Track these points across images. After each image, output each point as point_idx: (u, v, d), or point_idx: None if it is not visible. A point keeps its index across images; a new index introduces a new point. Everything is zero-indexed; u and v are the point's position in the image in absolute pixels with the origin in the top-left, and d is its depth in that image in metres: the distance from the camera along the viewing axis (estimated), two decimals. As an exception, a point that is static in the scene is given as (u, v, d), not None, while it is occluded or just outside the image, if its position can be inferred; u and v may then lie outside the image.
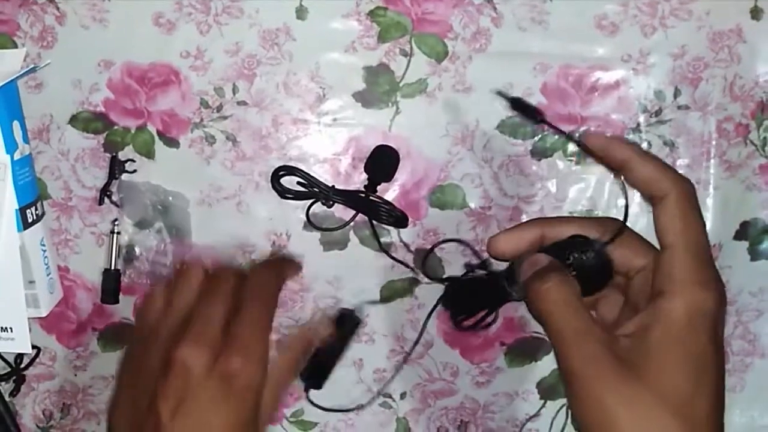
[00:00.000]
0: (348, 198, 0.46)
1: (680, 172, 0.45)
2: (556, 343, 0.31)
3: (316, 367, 0.46)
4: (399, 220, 0.46)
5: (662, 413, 0.29)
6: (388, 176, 0.47)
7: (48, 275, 0.47)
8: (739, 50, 0.45)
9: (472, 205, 0.47)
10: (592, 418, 0.30)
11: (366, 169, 0.46)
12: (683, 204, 0.32)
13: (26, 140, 0.46)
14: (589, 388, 0.30)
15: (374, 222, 0.47)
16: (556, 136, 0.47)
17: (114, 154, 0.47)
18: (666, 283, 0.31)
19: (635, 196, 0.48)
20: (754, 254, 0.47)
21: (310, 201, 0.47)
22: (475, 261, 0.47)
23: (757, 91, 0.46)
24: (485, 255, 0.44)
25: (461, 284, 0.41)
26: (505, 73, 0.46)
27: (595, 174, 0.47)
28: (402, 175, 0.47)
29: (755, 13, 0.45)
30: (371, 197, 0.46)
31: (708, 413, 0.29)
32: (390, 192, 0.47)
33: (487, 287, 0.38)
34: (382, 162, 0.46)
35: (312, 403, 0.46)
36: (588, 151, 0.34)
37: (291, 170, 0.46)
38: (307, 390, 0.47)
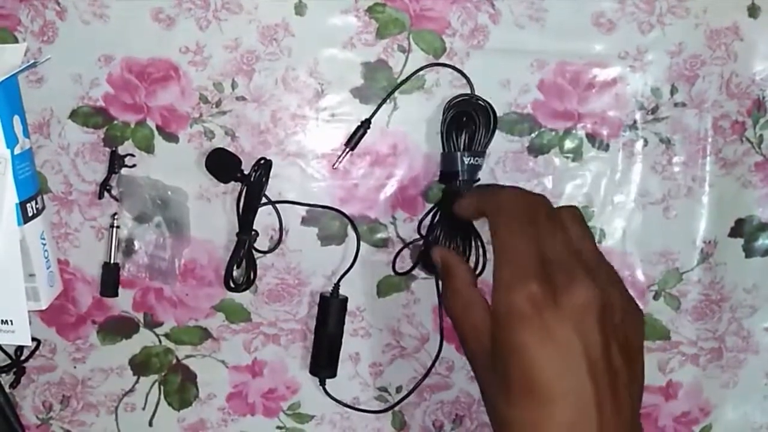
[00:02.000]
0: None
1: (676, 169, 0.47)
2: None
3: (324, 357, 0.47)
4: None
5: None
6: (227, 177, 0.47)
7: (48, 268, 0.48)
8: (736, 48, 0.46)
9: (469, 201, 0.48)
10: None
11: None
12: (498, 216, 0.36)
13: (27, 135, 0.46)
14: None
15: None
16: (553, 132, 0.47)
17: (114, 148, 0.48)
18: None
19: (631, 193, 0.49)
20: (749, 251, 0.48)
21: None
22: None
23: (754, 89, 0.46)
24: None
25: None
26: (503, 69, 0.46)
27: (591, 171, 0.47)
28: (399, 171, 0.47)
29: (752, 11, 0.45)
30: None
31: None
32: (387, 187, 0.48)
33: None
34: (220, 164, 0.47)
35: (330, 396, 0.48)
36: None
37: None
38: (323, 383, 0.47)
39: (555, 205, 0.49)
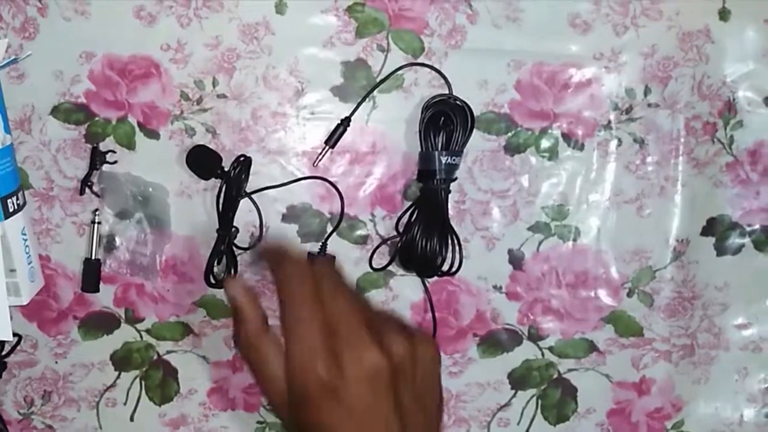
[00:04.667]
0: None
1: (649, 169, 0.48)
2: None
3: None
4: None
5: None
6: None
7: (29, 264, 0.48)
8: (708, 50, 0.47)
9: (447, 199, 0.48)
10: None
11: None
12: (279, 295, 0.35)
13: (7, 130, 0.47)
14: None
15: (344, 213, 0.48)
16: (529, 132, 0.48)
17: (95, 145, 0.48)
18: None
19: (606, 191, 0.49)
20: (720, 250, 0.49)
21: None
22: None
23: (725, 91, 0.47)
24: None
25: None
26: (480, 69, 0.47)
27: (567, 170, 0.48)
28: (378, 169, 0.48)
29: (723, 15, 0.46)
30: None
31: None
32: (366, 185, 0.48)
33: None
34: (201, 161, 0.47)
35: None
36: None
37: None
38: None
39: (530, 203, 0.50)
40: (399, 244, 0.47)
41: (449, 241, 0.46)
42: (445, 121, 0.45)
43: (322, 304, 0.34)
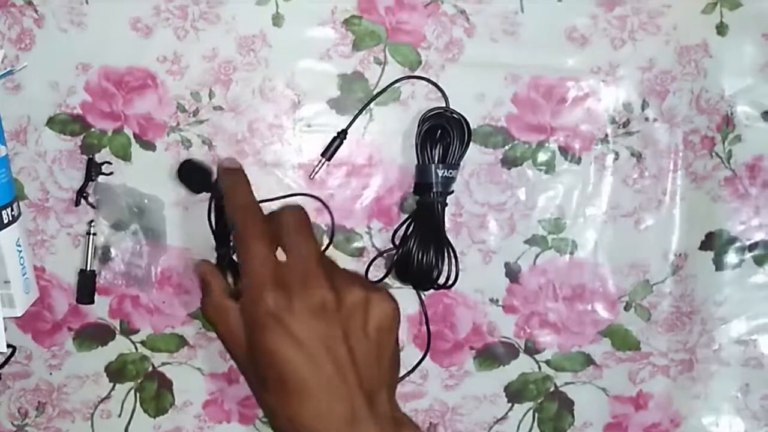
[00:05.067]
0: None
1: (647, 183, 0.48)
2: None
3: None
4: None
5: None
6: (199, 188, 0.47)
7: (24, 275, 0.48)
8: (706, 64, 0.46)
9: (444, 212, 0.48)
10: None
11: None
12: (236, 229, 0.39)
13: (3, 141, 0.46)
14: None
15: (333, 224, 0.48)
16: (526, 145, 0.48)
17: (91, 156, 0.48)
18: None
19: (603, 205, 0.49)
20: (719, 264, 0.48)
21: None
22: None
23: (723, 105, 0.47)
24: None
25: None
26: (477, 82, 0.47)
27: (564, 183, 0.48)
28: (375, 181, 0.48)
29: (721, 29, 0.46)
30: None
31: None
32: (363, 198, 0.48)
33: None
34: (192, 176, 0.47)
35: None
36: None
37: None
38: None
39: (526, 216, 0.50)
40: (395, 257, 0.47)
41: (445, 254, 0.46)
42: (442, 134, 0.45)
43: (272, 241, 0.37)
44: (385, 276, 0.48)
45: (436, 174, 0.45)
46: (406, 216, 0.47)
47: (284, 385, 0.35)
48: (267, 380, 0.36)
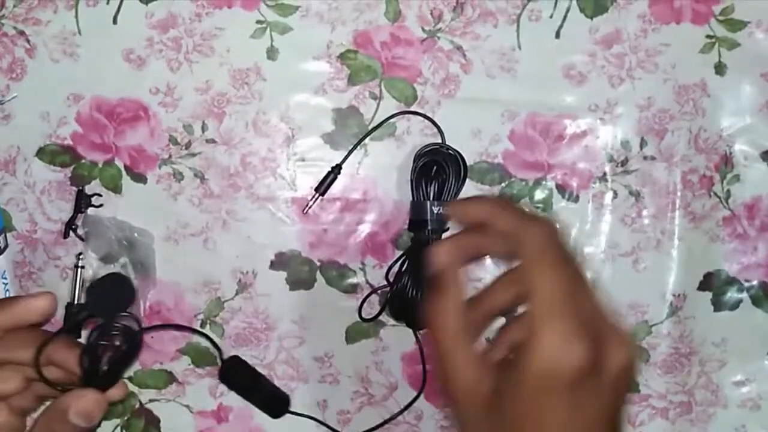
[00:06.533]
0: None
1: (645, 222, 0.47)
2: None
3: (268, 401, 0.47)
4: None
5: None
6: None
7: (9, 308, 0.47)
8: (704, 104, 0.46)
9: (439, 249, 0.47)
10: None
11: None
12: (535, 251, 0.30)
13: (-9, 173, 0.46)
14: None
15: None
16: (523, 183, 0.47)
17: (80, 187, 0.47)
18: (526, 334, 0.28)
19: (601, 244, 0.48)
20: (718, 305, 0.48)
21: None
22: None
23: (721, 144, 0.46)
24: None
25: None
26: (474, 118, 0.46)
27: (561, 222, 0.47)
28: (369, 217, 0.47)
29: (719, 69, 0.46)
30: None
31: None
32: (357, 233, 0.47)
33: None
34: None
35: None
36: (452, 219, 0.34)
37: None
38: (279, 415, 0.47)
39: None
40: (389, 294, 0.46)
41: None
42: (438, 170, 0.45)
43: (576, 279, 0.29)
44: (379, 314, 0.47)
45: (431, 211, 0.44)
46: (401, 253, 0.46)
47: None
48: None
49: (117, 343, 0.36)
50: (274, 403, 0.47)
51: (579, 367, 0.27)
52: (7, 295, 0.46)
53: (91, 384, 0.36)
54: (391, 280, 0.47)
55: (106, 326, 0.36)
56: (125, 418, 0.49)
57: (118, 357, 0.36)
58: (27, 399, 0.37)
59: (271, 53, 0.46)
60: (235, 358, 0.46)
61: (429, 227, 0.44)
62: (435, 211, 0.44)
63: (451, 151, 0.45)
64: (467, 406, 0.30)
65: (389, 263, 0.47)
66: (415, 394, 0.48)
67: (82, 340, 0.47)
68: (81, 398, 0.34)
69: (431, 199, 0.45)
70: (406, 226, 0.47)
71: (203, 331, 0.47)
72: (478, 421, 0.29)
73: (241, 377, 0.46)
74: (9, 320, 0.35)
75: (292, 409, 0.48)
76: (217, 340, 0.47)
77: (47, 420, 0.34)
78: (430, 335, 0.32)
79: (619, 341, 0.29)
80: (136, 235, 0.47)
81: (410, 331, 0.48)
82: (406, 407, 0.48)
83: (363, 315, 0.47)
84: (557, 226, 0.31)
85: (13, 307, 0.35)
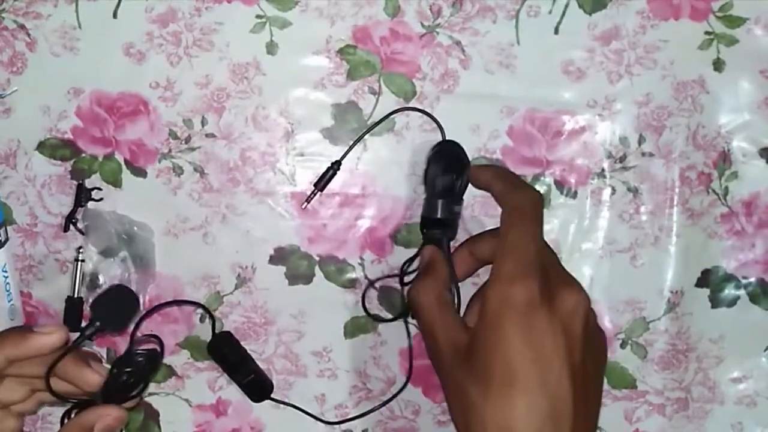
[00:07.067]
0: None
1: (643, 218, 0.47)
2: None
3: (251, 384, 0.47)
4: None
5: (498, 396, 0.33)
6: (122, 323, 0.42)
7: (10, 302, 0.47)
8: (702, 100, 0.46)
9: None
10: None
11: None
12: (514, 209, 0.38)
13: (-8, 166, 0.46)
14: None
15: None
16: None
17: (81, 181, 0.47)
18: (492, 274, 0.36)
19: (599, 240, 0.48)
20: (715, 302, 0.48)
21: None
22: None
23: (719, 141, 0.46)
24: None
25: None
26: (472, 114, 0.46)
27: (559, 217, 0.47)
28: (368, 212, 0.47)
29: (717, 65, 0.46)
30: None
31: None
32: (356, 228, 0.47)
33: None
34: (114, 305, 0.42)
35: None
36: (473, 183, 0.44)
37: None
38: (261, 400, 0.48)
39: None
40: (402, 293, 0.46)
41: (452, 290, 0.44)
42: (451, 167, 0.43)
43: (540, 236, 0.37)
44: (401, 314, 0.46)
45: (449, 209, 0.43)
46: (417, 250, 0.44)
47: (509, 380, 0.32)
48: (488, 374, 0.33)
49: (140, 359, 0.38)
50: (257, 386, 0.47)
51: (530, 296, 0.33)
52: (8, 288, 0.47)
53: (110, 398, 0.38)
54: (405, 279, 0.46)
55: (131, 355, 0.39)
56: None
57: (139, 376, 0.38)
58: (28, 405, 0.40)
59: (271, 48, 0.46)
60: (227, 333, 0.47)
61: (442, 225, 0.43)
62: (449, 209, 0.43)
63: (459, 147, 0.45)
64: (449, 359, 0.36)
65: (388, 258, 0.47)
66: (412, 389, 0.48)
67: (83, 344, 0.48)
68: (106, 416, 0.37)
69: (443, 196, 0.43)
70: (405, 221, 0.47)
71: (200, 302, 0.47)
72: (460, 368, 0.35)
73: (229, 352, 0.47)
74: (21, 354, 0.37)
75: (293, 403, 0.48)
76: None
77: None
78: (416, 309, 0.39)
79: (571, 289, 0.35)
80: (135, 229, 0.47)
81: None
82: (396, 395, 0.48)
83: (362, 311, 0.47)
84: (541, 199, 0.39)
85: (26, 341, 0.37)
